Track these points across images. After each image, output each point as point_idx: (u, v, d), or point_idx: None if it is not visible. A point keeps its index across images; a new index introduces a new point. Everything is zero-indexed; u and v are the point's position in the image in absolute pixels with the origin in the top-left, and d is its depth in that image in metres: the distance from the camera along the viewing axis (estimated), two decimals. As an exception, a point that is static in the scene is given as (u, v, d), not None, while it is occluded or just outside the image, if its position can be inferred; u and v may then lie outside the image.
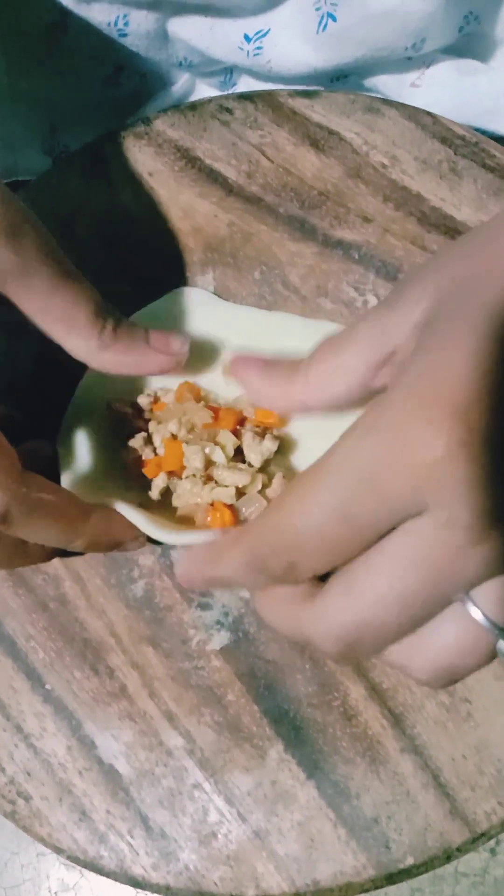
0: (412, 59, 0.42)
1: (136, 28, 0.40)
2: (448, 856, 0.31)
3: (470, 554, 0.23)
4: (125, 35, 0.41)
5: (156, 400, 0.35)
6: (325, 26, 0.37)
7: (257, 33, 0.40)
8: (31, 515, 0.28)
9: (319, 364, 0.29)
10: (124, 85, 0.46)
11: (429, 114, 0.38)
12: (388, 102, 0.38)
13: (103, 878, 0.40)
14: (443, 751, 0.32)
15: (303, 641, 0.26)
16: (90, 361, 0.31)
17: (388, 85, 0.43)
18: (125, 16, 0.40)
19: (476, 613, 0.24)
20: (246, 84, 0.46)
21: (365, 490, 0.24)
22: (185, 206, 0.38)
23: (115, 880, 0.33)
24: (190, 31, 0.41)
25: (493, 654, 0.25)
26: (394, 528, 0.24)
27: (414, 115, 0.38)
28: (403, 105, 0.38)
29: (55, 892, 0.39)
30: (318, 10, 0.36)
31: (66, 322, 0.30)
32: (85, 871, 0.40)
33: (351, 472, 0.24)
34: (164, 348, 0.32)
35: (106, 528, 0.30)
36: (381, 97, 0.39)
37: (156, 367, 0.32)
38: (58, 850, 0.34)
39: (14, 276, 0.29)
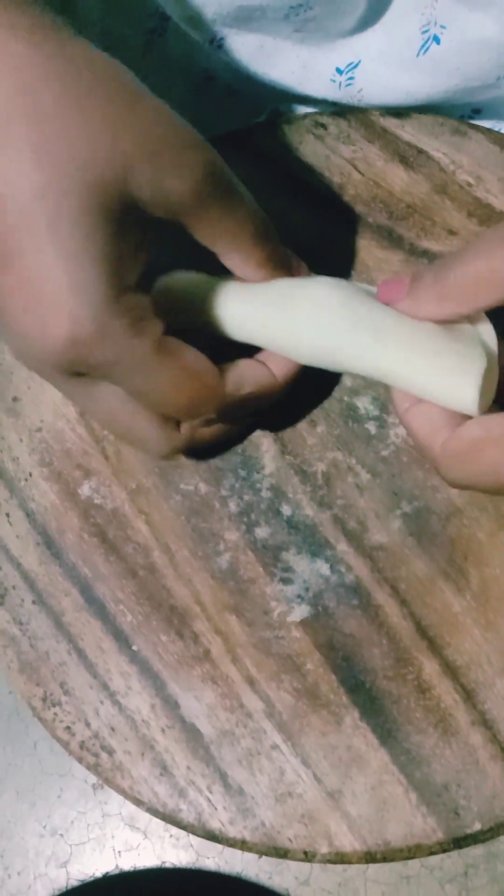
0: None
1: (232, 47, 0.43)
2: (514, 823, 0.33)
3: None
4: (221, 47, 0.43)
5: None
6: (426, 49, 0.39)
7: (349, 65, 0.43)
8: (236, 413, 0.34)
9: (468, 271, 0.30)
10: (210, 96, 0.49)
11: (513, 139, 0.41)
12: (474, 126, 0.41)
13: (165, 840, 0.42)
14: (511, 725, 0.34)
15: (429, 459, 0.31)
16: (244, 278, 0.34)
17: None
18: (222, 38, 0.43)
19: None
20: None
21: None
22: (279, 211, 0.41)
23: (193, 833, 0.35)
24: (282, 69, 0.44)
25: None
26: None
27: (499, 139, 0.41)
28: (489, 130, 0.41)
29: (119, 852, 0.41)
30: (424, 32, 0.39)
31: (230, 242, 0.32)
32: (148, 833, 0.41)
33: None
34: None
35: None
36: (468, 122, 0.42)
37: None
38: (138, 803, 0.35)
39: (190, 208, 0.30)
